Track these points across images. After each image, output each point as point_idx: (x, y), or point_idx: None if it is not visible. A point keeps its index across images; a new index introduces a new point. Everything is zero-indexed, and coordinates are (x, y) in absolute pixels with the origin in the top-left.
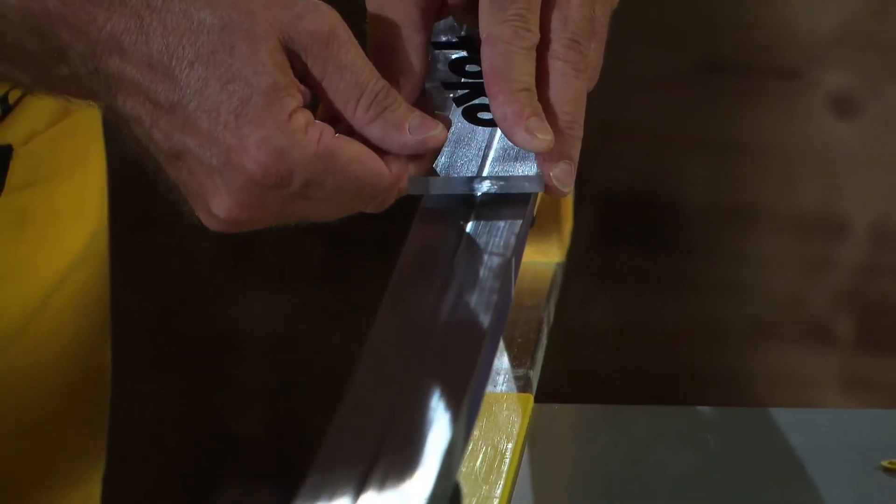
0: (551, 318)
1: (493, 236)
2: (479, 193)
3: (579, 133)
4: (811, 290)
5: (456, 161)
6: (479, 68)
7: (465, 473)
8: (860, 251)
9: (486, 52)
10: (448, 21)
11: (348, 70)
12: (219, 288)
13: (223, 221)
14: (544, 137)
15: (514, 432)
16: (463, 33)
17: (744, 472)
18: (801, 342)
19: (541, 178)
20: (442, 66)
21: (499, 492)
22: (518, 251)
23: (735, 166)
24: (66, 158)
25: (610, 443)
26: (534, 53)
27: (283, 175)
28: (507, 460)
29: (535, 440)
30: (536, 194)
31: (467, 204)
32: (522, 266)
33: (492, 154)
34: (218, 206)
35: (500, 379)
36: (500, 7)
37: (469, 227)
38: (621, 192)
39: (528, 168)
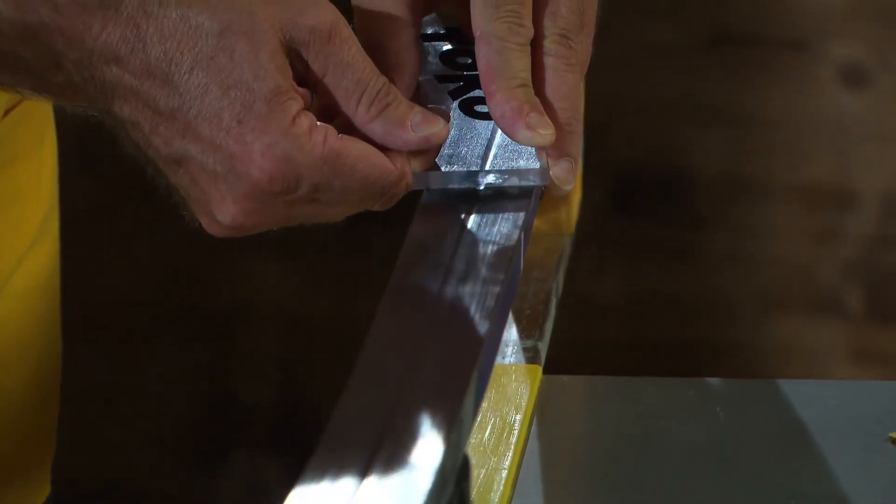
0: (560, 290)
1: (498, 222)
2: (482, 187)
3: (578, 128)
4: (821, 261)
5: (458, 154)
6: (471, 60)
7: (474, 445)
8: (870, 223)
9: (480, 50)
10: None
11: (350, 67)
12: (230, 260)
13: (227, 227)
14: (546, 132)
15: (523, 404)
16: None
17: (753, 443)
18: (811, 314)
19: (545, 170)
20: (433, 59)
21: (507, 463)
22: (525, 232)
23: (745, 138)
24: (23, 142)
25: (619, 414)
26: (528, 49)
27: (290, 181)
28: (516, 432)
29: (543, 412)
30: (543, 188)
31: (469, 198)
32: (531, 237)
33: (494, 146)
34: (222, 212)
35: (509, 350)
36: (493, 4)
37: (473, 217)
38: (630, 163)
39: (531, 160)
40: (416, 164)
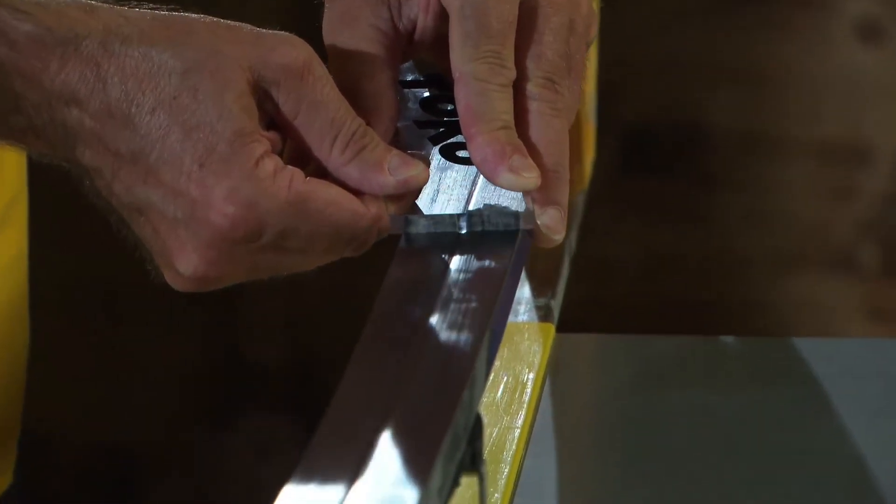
0: (573, 248)
1: (481, 268)
2: (464, 231)
3: (565, 175)
4: (836, 218)
5: (439, 197)
6: (453, 106)
7: (487, 404)
8: (885, 179)
9: (460, 92)
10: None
11: (323, 107)
12: None
13: (189, 280)
14: (530, 175)
15: (536, 362)
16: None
17: (767, 401)
18: (826, 271)
19: (531, 213)
20: (413, 105)
21: (520, 422)
22: (512, 279)
23: (759, 95)
24: None
25: (632, 373)
26: (510, 91)
27: (254, 227)
28: (529, 390)
29: (556, 370)
30: (529, 232)
31: (451, 243)
32: None
33: (477, 190)
34: (183, 262)
35: (522, 309)
36: (473, 44)
37: (455, 261)
38: (644, 121)
39: (516, 204)
40: (393, 208)
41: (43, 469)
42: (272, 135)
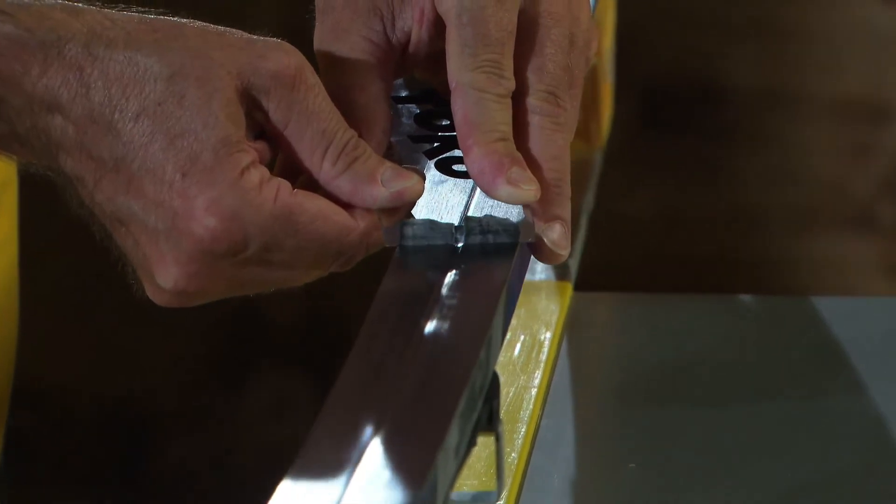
0: (591, 206)
1: (478, 282)
2: (461, 244)
3: (567, 191)
4: (855, 176)
5: (434, 209)
6: (448, 121)
7: (503, 363)
8: None
9: (457, 102)
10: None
11: (315, 117)
12: None
13: (169, 294)
14: (529, 188)
15: (553, 321)
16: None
17: (785, 360)
18: (845, 228)
19: (531, 226)
20: (407, 121)
21: (537, 381)
22: (510, 295)
23: (779, 51)
24: None
25: (649, 331)
26: (509, 102)
27: (237, 240)
28: (546, 349)
29: (573, 329)
30: (528, 245)
31: (447, 256)
32: None
33: (474, 203)
34: (163, 275)
35: (539, 267)
36: (471, 53)
37: (451, 275)
38: (663, 77)
39: (515, 215)
40: (386, 221)
41: (57, 428)
42: (260, 145)
